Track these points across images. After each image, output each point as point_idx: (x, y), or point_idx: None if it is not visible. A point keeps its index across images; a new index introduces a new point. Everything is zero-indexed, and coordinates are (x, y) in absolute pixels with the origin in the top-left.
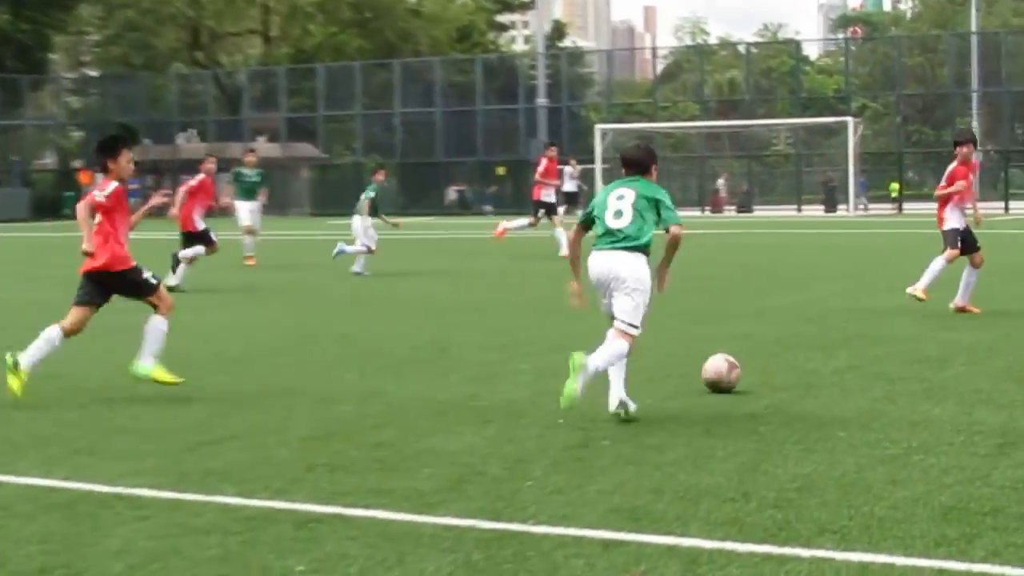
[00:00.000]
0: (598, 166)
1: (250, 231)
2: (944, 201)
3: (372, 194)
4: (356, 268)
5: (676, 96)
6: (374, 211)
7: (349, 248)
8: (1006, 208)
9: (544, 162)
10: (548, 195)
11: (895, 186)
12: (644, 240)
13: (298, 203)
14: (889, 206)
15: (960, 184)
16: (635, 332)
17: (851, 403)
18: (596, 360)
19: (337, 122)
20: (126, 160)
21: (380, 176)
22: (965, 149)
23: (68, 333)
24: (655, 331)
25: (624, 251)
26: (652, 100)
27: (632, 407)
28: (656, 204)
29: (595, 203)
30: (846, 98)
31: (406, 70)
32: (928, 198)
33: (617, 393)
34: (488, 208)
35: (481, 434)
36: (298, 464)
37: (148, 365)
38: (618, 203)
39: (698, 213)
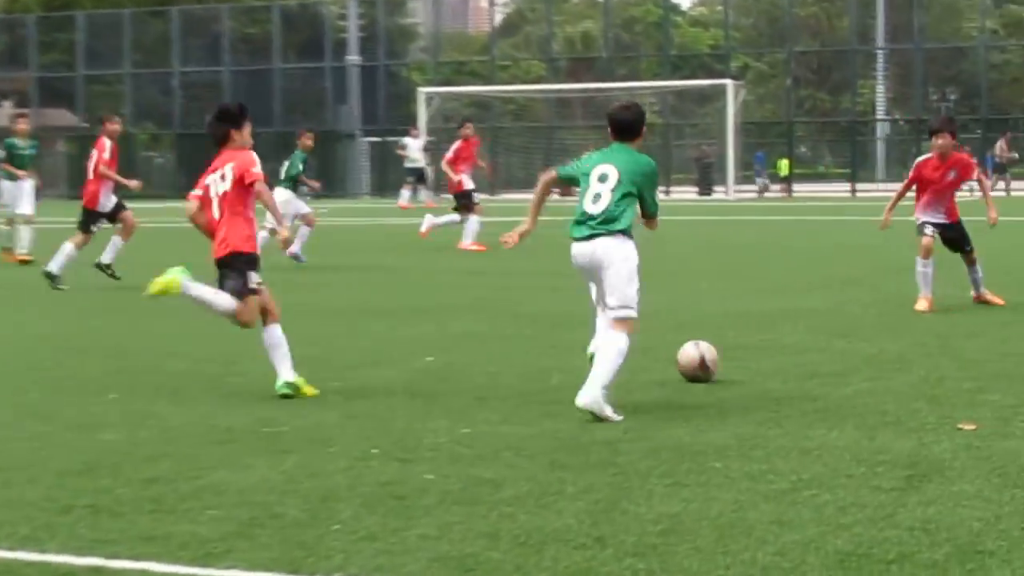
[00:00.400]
0: (422, 138)
1: (28, 220)
2: (917, 200)
3: (301, 166)
4: (295, 249)
5: (518, 53)
6: (292, 184)
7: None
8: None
9: (458, 144)
10: (469, 182)
11: (784, 163)
12: (624, 224)
13: (52, 183)
14: (777, 187)
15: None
16: (632, 315)
17: (729, 427)
18: (601, 375)
19: (101, 83)
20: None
21: (308, 141)
22: (940, 140)
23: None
24: (497, 338)
25: (605, 236)
26: (489, 58)
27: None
28: (640, 191)
29: (580, 169)
30: (725, 56)
31: (187, 19)
32: (824, 178)
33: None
34: (308, 189)
35: (277, 467)
36: (51, 505)
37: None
38: (599, 185)
39: None
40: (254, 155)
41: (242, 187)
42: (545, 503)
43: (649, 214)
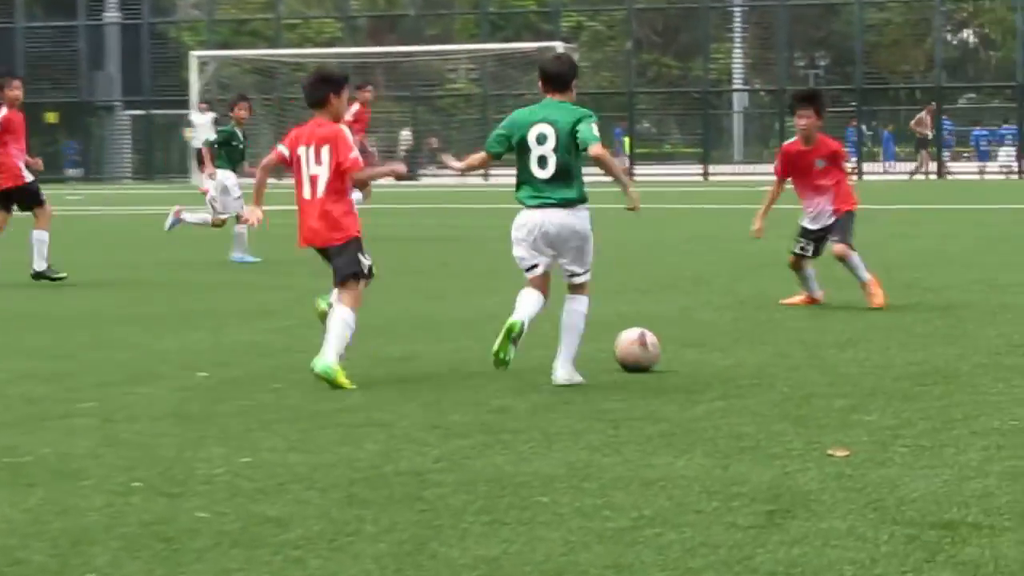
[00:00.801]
0: (194, 111)
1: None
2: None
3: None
4: (236, 255)
5: (308, 10)
6: (232, 161)
7: (191, 217)
8: None
9: (356, 108)
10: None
11: (625, 141)
12: (578, 191)
13: None
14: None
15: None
16: (588, 278)
17: (557, 454)
18: (571, 348)
19: None
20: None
21: (242, 112)
22: (803, 120)
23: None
24: (283, 351)
25: (561, 208)
26: (274, 16)
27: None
28: (574, 133)
29: (507, 131)
30: (554, 15)
31: None
32: (671, 158)
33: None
34: (72, 172)
35: (20, 504)
36: None
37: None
38: (540, 148)
39: None
40: (349, 136)
41: (341, 172)
42: (340, 545)
43: (586, 143)
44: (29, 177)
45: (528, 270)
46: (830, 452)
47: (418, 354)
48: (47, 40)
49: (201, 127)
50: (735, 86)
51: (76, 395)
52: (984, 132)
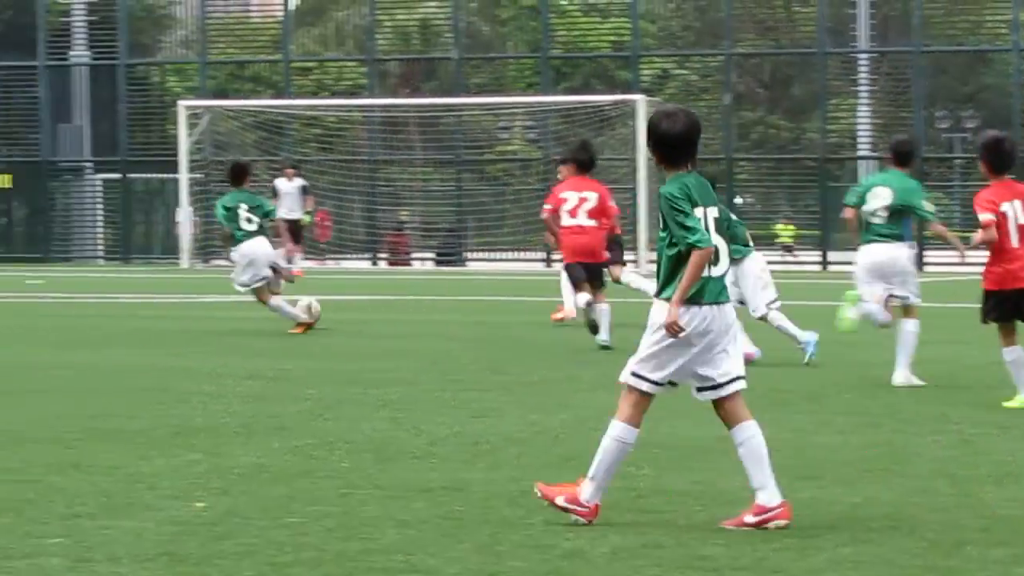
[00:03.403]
0: (183, 170)
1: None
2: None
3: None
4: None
5: (324, 51)
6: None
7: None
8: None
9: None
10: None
11: (787, 229)
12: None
13: None
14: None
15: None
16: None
17: None
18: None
19: None
20: None
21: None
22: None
23: None
24: None
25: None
26: (282, 57)
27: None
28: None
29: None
30: (632, 60)
31: None
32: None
33: None
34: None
35: None
36: None
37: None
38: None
39: (367, 264)
40: None
41: None
42: None
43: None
44: None
45: None
46: None
47: (467, 483)
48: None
49: (288, 196)
50: (860, 152)
51: (42, 528)
52: None
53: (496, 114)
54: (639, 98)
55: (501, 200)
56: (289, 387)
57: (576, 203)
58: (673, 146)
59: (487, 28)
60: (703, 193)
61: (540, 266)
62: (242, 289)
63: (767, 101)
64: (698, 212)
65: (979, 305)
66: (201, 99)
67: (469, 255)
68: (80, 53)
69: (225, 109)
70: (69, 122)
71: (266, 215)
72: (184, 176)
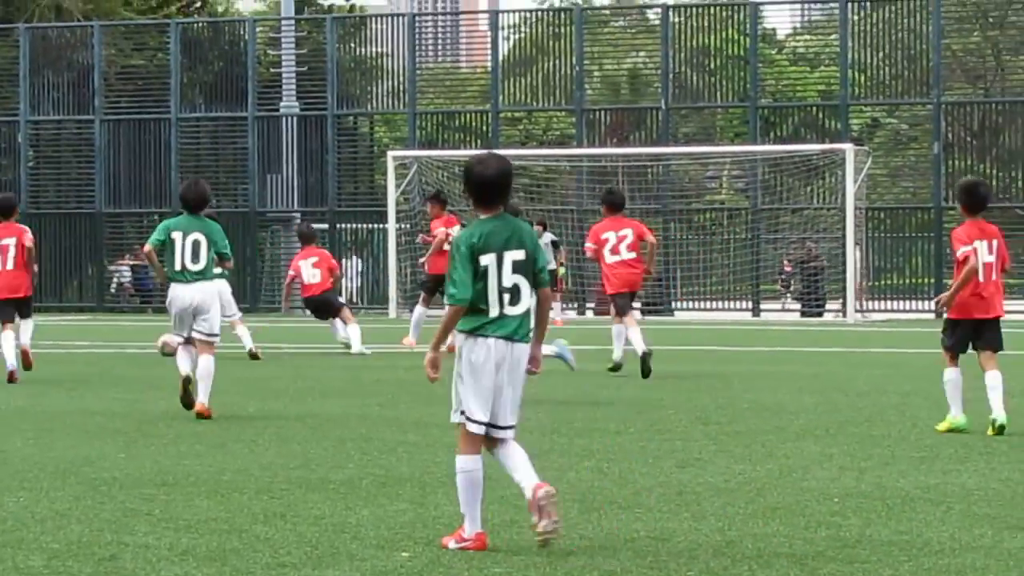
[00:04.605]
0: (391, 220)
1: None
2: None
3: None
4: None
5: (532, 102)
6: None
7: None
8: None
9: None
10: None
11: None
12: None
13: None
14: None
15: None
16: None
17: None
18: None
19: None
20: None
21: None
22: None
23: None
24: None
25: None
26: (491, 108)
27: None
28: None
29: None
30: (841, 109)
31: (40, 42)
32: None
33: None
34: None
35: None
36: None
37: None
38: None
39: (571, 314)
40: None
41: None
42: None
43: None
44: None
45: None
46: None
47: (671, 533)
48: (207, 134)
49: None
50: None
51: None
52: None
53: (704, 163)
54: (848, 147)
55: (709, 249)
56: None
57: (616, 241)
58: (484, 188)
59: (695, 77)
60: (501, 238)
61: (748, 315)
62: None
63: (977, 150)
64: (486, 259)
65: None
66: (409, 149)
67: (676, 304)
68: (289, 104)
69: (433, 159)
70: (278, 172)
71: None
72: (392, 226)
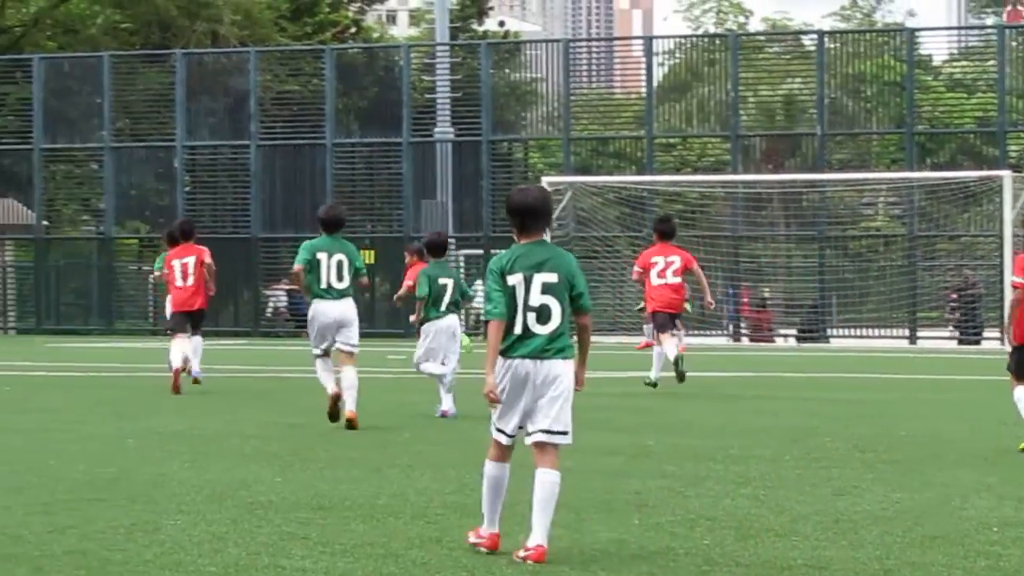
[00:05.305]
0: None
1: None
2: None
3: None
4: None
5: (687, 127)
6: None
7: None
8: None
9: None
10: None
11: None
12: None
13: None
14: None
15: None
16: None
17: None
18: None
19: (66, 161)
20: None
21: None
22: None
23: None
24: None
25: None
26: (646, 134)
27: None
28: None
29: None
30: (999, 136)
31: (196, 69)
32: None
33: None
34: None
35: None
36: None
37: None
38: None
39: (724, 340)
40: None
41: None
42: None
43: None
44: None
45: None
46: None
47: (829, 561)
48: (361, 160)
49: None
50: None
51: None
52: None
53: (859, 190)
54: (1005, 174)
55: (865, 276)
56: (649, 463)
57: (664, 266)
58: (523, 216)
59: (851, 104)
60: (532, 261)
61: (904, 343)
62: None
63: None
64: (513, 279)
65: None
66: (564, 175)
67: (832, 331)
68: (444, 129)
69: (588, 185)
70: (432, 198)
71: None
72: None
